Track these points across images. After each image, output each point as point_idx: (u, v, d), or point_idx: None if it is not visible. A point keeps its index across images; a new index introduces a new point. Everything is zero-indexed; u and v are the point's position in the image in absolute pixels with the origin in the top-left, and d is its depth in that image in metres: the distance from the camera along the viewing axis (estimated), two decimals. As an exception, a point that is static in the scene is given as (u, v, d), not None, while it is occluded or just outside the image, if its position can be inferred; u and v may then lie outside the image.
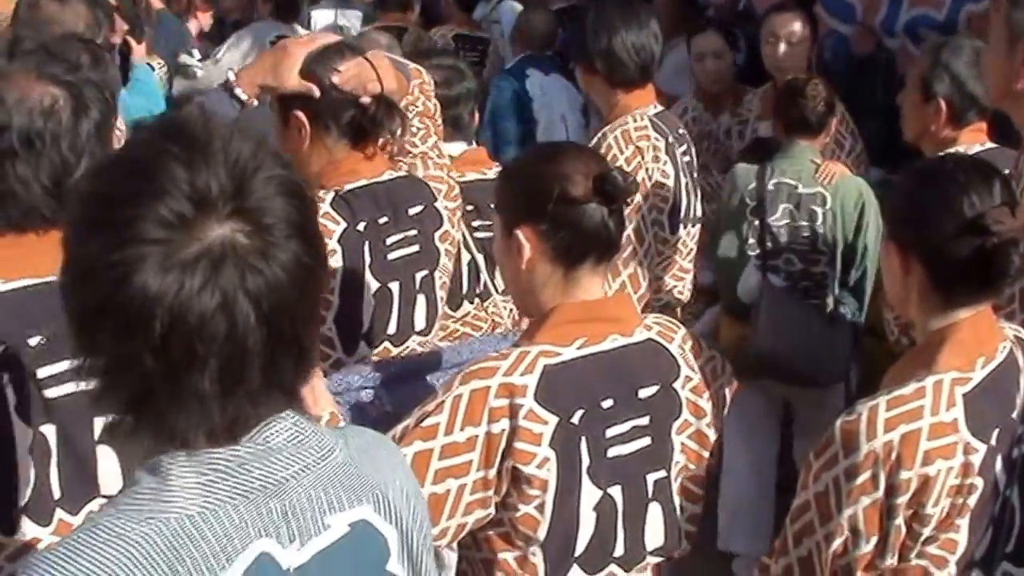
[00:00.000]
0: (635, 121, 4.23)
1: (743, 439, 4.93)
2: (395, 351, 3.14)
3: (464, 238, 3.76)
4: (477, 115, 4.13)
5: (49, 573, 1.40)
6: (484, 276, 3.79)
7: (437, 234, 3.30)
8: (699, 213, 4.53)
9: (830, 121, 4.84)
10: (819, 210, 4.72)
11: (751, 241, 4.78)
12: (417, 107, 3.31)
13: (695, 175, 4.52)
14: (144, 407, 1.46)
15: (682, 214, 4.35)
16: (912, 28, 5.72)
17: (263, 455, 1.50)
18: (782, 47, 5.45)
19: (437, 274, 3.29)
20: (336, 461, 1.57)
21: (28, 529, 2.13)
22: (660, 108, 4.41)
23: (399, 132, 3.13)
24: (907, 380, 2.25)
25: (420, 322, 3.26)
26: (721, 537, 4.99)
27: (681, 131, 4.50)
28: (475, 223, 3.79)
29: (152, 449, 1.49)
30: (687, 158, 4.43)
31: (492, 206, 3.63)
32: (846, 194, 4.71)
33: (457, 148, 3.87)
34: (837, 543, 2.21)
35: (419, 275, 3.23)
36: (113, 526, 1.43)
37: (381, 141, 3.11)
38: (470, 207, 3.76)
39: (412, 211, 3.18)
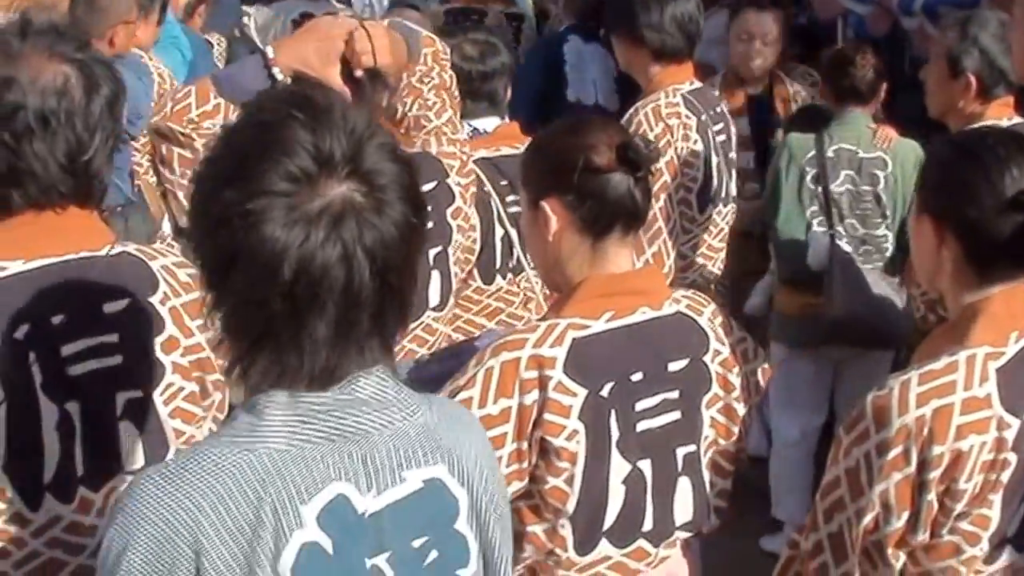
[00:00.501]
0: (667, 98, 4.19)
1: (791, 407, 4.97)
2: (410, 327, 3.12)
3: (498, 212, 3.74)
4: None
5: (152, 491, 1.53)
6: (517, 250, 3.75)
7: (449, 210, 3.29)
8: (733, 192, 4.49)
9: (880, 87, 4.82)
10: (880, 174, 4.73)
11: (814, 209, 4.76)
12: (432, 79, 3.27)
13: (730, 154, 4.47)
14: (263, 347, 1.57)
15: (712, 193, 4.31)
16: (931, 7, 5.64)
17: (349, 404, 1.60)
18: (756, 45, 5.37)
19: (451, 250, 3.27)
20: (418, 421, 1.66)
21: (52, 506, 2.14)
22: (696, 84, 4.36)
23: (412, 107, 3.12)
24: (939, 355, 2.22)
25: (435, 298, 3.25)
26: (773, 504, 5.02)
27: (719, 109, 4.44)
28: (509, 198, 3.74)
29: (257, 388, 1.59)
30: (722, 137, 4.38)
31: (524, 181, 3.69)
32: (905, 157, 4.73)
33: (491, 123, 3.84)
34: (868, 519, 2.18)
35: (433, 251, 3.22)
36: (210, 454, 1.55)
37: (398, 116, 3.09)
38: (504, 182, 3.73)
39: (425, 188, 3.13)
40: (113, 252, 2.22)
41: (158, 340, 2.22)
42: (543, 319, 2.45)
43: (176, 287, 2.25)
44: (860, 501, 2.18)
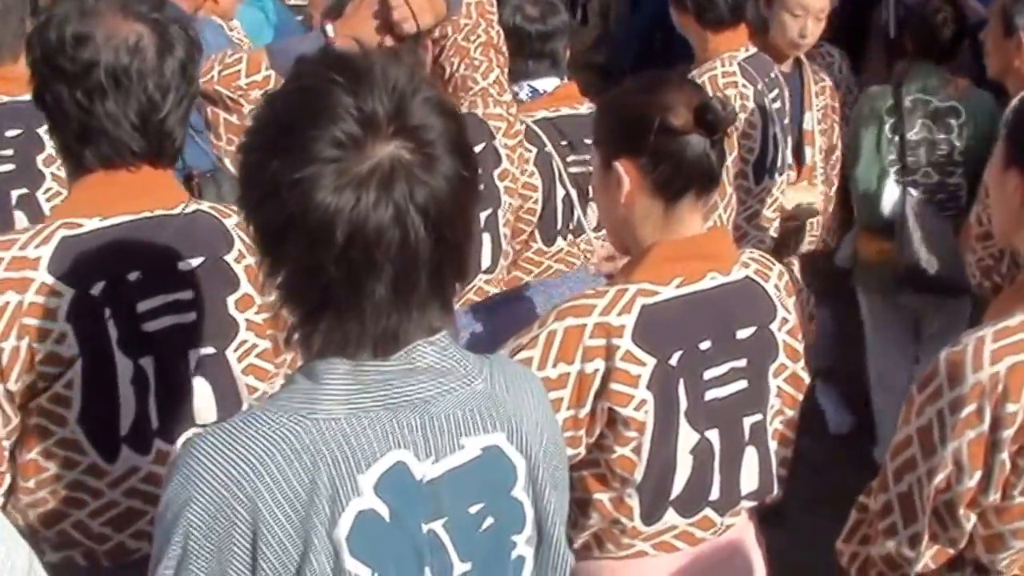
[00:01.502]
0: (723, 66, 4.12)
1: (882, 353, 4.98)
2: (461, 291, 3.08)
3: (559, 173, 3.67)
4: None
5: (207, 452, 1.52)
6: (578, 211, 3.68)
7: (496, 172, 3.25)
8: (788, 161, 4.40)
9: (960, 45, 4.77)
10: (954, 122, 4.68)
11: (891, 158, 4.71)
12: (479, 36, 3.21)
13: (785, 122, 4.38)
14: (323, 313, 1.54)
15: (768, 163, 4.22)
16: None
17: (408, 373, 1.57)
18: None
19: (500, 212, 3.23)
20: (477, 388, 1.63)
21: (129, 457, 2.17)
22: (752, 51, 4.27)
23: (459, 67, 3.07)
24: (1013, 311, 2.16)
25: (486, 260, 3.21)
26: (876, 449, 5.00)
27: (773, 75, 4.34)
28: (569, 158, 3.68)
29: (320, 355, 1.56)
30: (777, 104, 4.29)
31: (586, 141, 3.55)
32: (978, 106, 4.68)
33: (551, 83, 3.75)
34: (940, 478, 2.12)
35: (483, 214, 3.18)
36: (267, 418, 1.53)
37: (446, 76, 3.05)
38: (564, 142, 3.67)
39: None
40: (188, 210, 2.23)
41: (232, 297, 2.24)
42: (612, 283, 2.38)
43: (251, 245, 2.21)
44: (932, 460, 2.12)
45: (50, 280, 2.08)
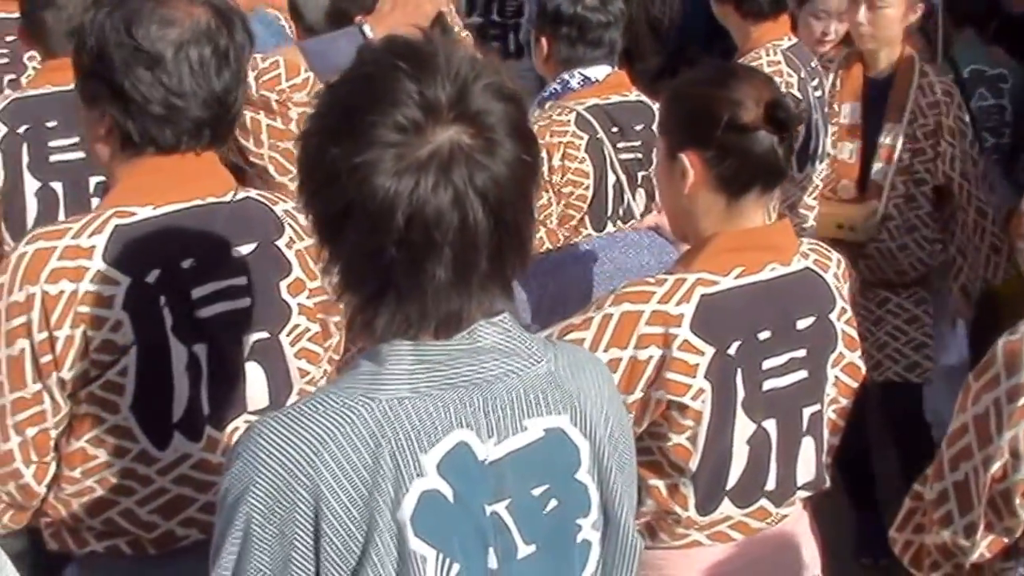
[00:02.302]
0: (768, 55, 4.08)
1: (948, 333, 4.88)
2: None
3: (610, 159, 3.63)
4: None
5: (268, 436, 1.50)
6: (627, 197, 3.65)
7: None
8: (828, 149, 4.33)
9: (994, 14, 4.83)
10: (1004, 87, 4.72)
11: None
12: None
13: (826, 110, 4.32)
14: (384, 298, 1.52)
15: (811, 151, 4.17)
16: None
17: (472, 353, 1.55)
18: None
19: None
20: (542, 370, 1.60)
21: (180, 444, 2.16)
22: (794, 40, 4.23)
23: None
24: None
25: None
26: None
27: (814, 65, 4.29)
28: (619, 144, 3.64)
29: (383, 339, 1.54)
30: (819, 93, 4.24)
31: (636, 127, 3.58)
32: (1015, 70, 4.77)
33: (602, 71, 3.70)
34: (996, 467, 2.08)
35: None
36: (332, 400, 1.51)
37: None
38: (615, 129, 3.63)
39: None
40: (238, 198, 2.21)
41: (284, 282, 2.23)
42: (671, 272, 2.33)
43: (299, 231, 2.24)
44: (988, 448, 2.09)
45: (105, 269, 2.06)
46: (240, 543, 1.49)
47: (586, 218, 3.64)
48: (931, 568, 2.21)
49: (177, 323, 2.11)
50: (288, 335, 2.24)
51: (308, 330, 2.27)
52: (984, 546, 2.11)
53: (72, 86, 2.23)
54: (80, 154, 3.15)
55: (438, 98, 1.49)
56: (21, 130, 3.26)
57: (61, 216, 3.13)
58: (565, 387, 1.62)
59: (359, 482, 1.48)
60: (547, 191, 3.59)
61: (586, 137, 3.63)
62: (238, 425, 2.19)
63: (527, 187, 1.56)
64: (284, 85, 2.75)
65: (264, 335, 2.21)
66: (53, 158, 3.27)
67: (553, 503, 1.60)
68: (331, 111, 1.56)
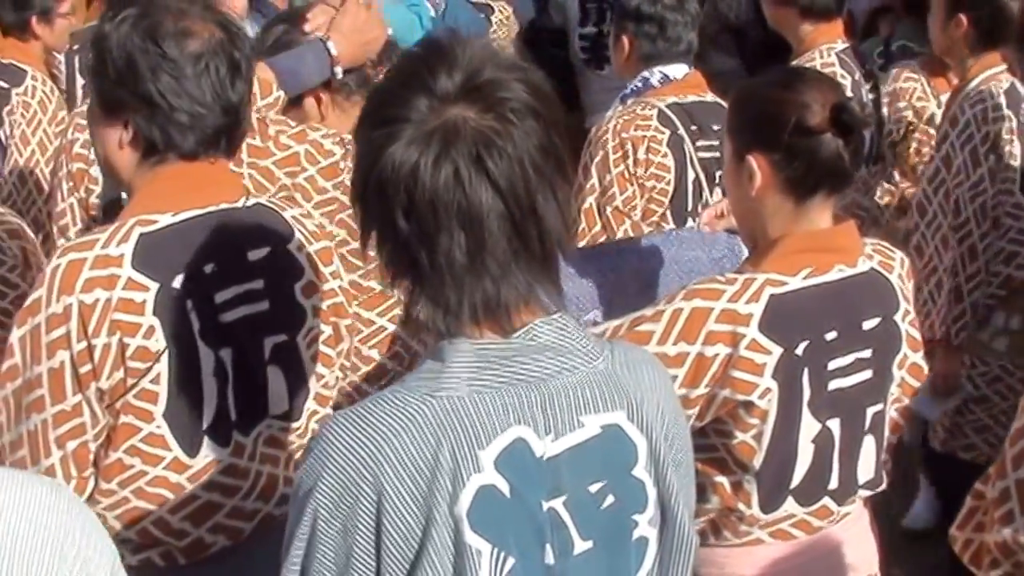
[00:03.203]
0: (822, 58, 4.05)
1: None
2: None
3: (691, 156, 3.63)
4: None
5: (336, 433, 1.52)
6: (706, 194, 3.64)
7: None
8: (876, 150, 4.29)
9: None
10: None
11: None
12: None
13: (879, 113, 4.28)
14: (418, 279, 1.54)
15: (865, 152, 4.15)
16: None
17: (530, 350, 1.55)
18: None
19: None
20: (598, 368, 1.60)
21: (210, 450, 2.17)
22: (847, 44, 4.19)
23: None
24: None
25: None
26: None
27: (867, 67, 4.28)
28: (699, 142, 3.64)
29: (427, 326, 1.56)
30: (872, 95, 4.20)
31: (714, 127, 3.55)
32: None
33: (680, 70, 3.71)
34: None
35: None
36: (397, 399, 1.53)
37: None
38: (694, 127, 3.62)
39: None
40: (249, 203, 2.22)
41: (299, 285, 2.25)
42: (740, 272, 2.31)
43: (308, 235, 2.26)
44: None
45: (135, 275, 2.07)
46: (308, 536, 1.52)
47: (668, 213, 3.64)
48: (990, 566, 2.19)
49: (204, 328, 2.13)
50: (304, 338, 2.25)
51: (322, 332, 2.29)
52: None
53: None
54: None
55: (448, 85, 1.53)
56: None
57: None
58: (622, 384, 1.62)
59: (419, 478, 1.49)
60: (632, 183, 3.60)
61: (668, 132, 3.62)
62: (261, 430, 2.22)
63: (543, 167, 1.54)
64: (260, 103, 2.73)
65: (283, 338, 2.23)
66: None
67: (610, 499, 1.59)
68: (367, 102, 1.64)
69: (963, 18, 3.61)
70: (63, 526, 1.39)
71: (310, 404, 2.28)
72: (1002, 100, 3.62)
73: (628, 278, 2.81)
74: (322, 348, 2.29)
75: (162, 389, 2.10)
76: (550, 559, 1.55)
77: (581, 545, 1.58)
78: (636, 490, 1.62)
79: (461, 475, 1.50)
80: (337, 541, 1.51)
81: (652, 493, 1.63)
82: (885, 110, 4.47)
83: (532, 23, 6.61)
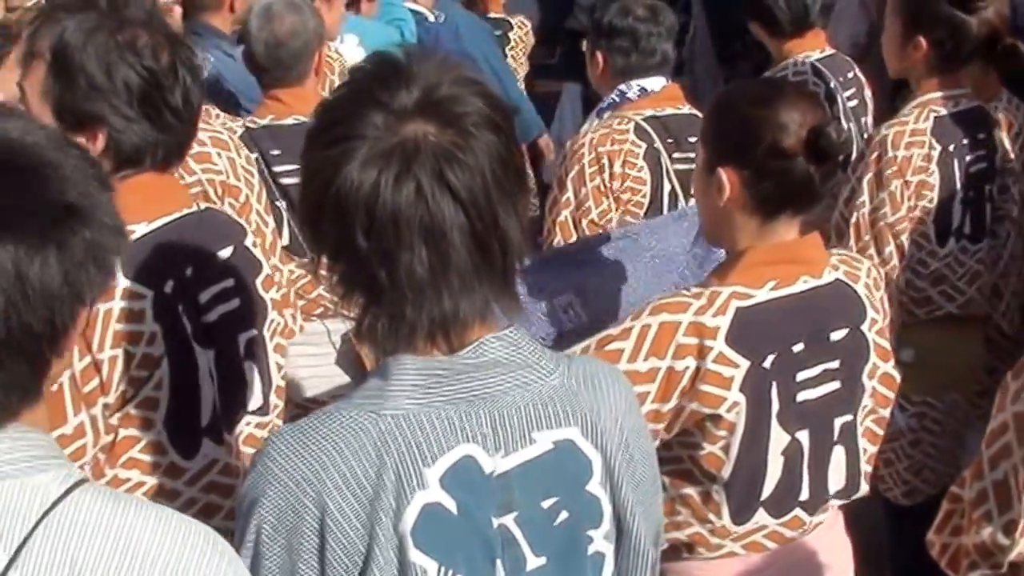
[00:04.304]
0: (795, 67, 4.03)
1: None
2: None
3: (666, 168, 3.62)
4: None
5: (280, 450, 1.51)
6: (682, 205, 3.62)
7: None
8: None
9: None
10: None
11: None
12: None
13: (863, 120, 4.23)
14: (375, 297, 1.52)
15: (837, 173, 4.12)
16: None
17: (479, 367, 1.53)
18: None
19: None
20: (552, 383, 1.58)
21: (209, 450, 2.17)
22: (828, 52, 4.17)
23: None
24: None
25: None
26: None
27: (851, 75, 4.22)
28: (674, 155, 3.63)
29: (385, 345, 1.54)
30: (853, 102, 4.16)
31: (690, 139, 3.52)
32: None
33: (658, 83, 3.70)
34: None
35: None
36: (341, 415, 1.51)
37: None
38: (670, 139, 3.61)
39: None
40: (203, 208, 2.24)
41: (259, 280, 2.27)
42: (705, 285, 2.28)
43: (251, 231, 2.30)
44: None
45: (130, 284, 2.06)
46: (252, 550, 1.50)
47: (643, 226, 3.63)
48: (968, 569, 2.17)
49: (194, 330, 2.14)
50: (268, 330, 2.28)
51: (279, 324, 2.31)
52: (1023, 544, 2.09)
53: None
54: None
55: (406, 99, 1.51)
56: None
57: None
58: (576, 399, 1.59)
59: (362, 495, 1.48)
60: (607, 197, 3.58)
61: (644, 146, 3.61)
62: (241, 429, 2.23)
63: (504, 179, 1.52)
64: None
65: (254, 332, 2.24)
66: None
67: (564, 515, 1.57)
68: (316, 119, 1.59)
69: (922, 40, 3.48)
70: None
71: (273, 398, 2.30)
72: (926, 126, 3.47)
73: (608, 279, 2.79)
74: (279, 340, 2.32)
75: (163, 395, 2.10)
76: (501, 575, 1.53)
77: (534, 561, 1.56)
78: (591, 506, 1.60)
79: (405, 492, 1.48)
80: (282, 557, 1.49)
81: (607, 509, 1.61)
82: None
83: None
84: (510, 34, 6.47)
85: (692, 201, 3.53)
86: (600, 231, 3.52)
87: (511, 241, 1.54)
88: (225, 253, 2.22)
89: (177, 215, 2.17)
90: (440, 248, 1.49)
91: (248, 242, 2.27)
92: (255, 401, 2.25)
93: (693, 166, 3.42)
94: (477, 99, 1.53)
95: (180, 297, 2.12)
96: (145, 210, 2.12)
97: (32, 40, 2.13)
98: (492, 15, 6.46)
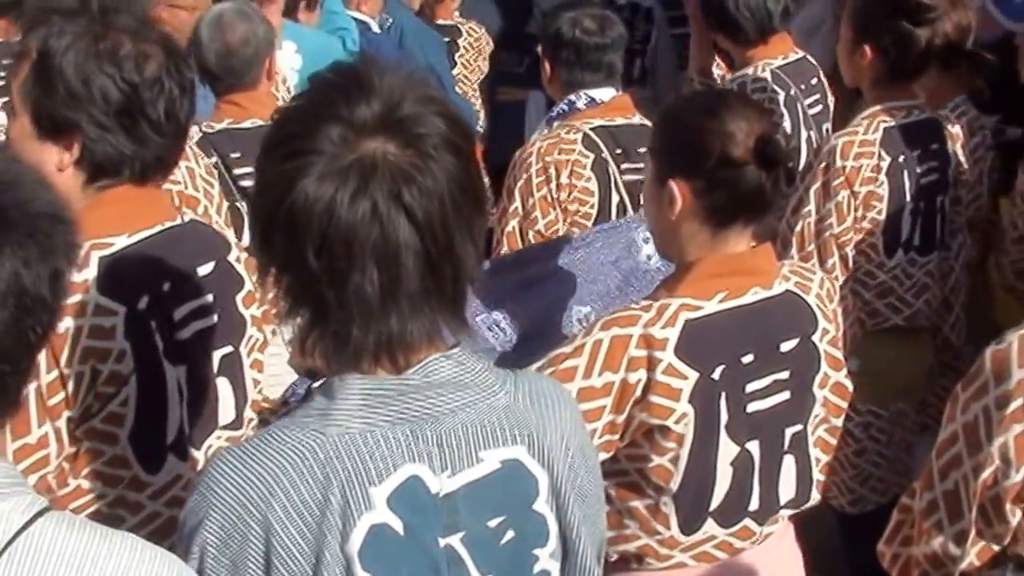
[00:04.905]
0: (755, 72, 4.02)
1: None
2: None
3: (615, 179, 3.61)
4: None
5: (223, 470, 1.49)
6: (629, 214, 3.57)
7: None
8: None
9: None
10: None
11: None
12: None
13: (826, 127, 4.21)
14: (321, 314, 1.49)
15: (802, 168, 4.12)
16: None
17: (424, 387, 1.51)
18: None
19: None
20: (498, 402, 1.57)
21: (173, 466, 2.14)
22: (791, 58, 4.14)
23: None
24: None
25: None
26: None
27: (814, 81, 4.20)
28: (623, 165, 3.62)
29: (329, 361, 1.52)
30: (816, 109, 4.16)
31: (639, 150, 3.50)
32: None
33: (607, 93, 3.69)
34: (986, 474, 2.02)
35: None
36: (283, 435, 1.49)
37: None
38: (619, 150, 3.61)
39: None
40: (187, 221, 2.21)
41: (240, 296, 2.25)
42: (655, 298, 2.28)
43: (235, 246, 2.27)
44: (978, 456, 2.03)
45: (102, 301, 2.03)
46: (196, 571, 1.47)
47: (591, 236, 3.61)
48: None
49: (166, 347, 2.10)
50: (246, 346, 2.26)
51: (258, 340, 2.29)
52: (974, 554, 2.06)
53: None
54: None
55: (366, 113, 1.48)
56: None
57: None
58: (522, 418, 1.58)
59: (308, 516, 1.46)
60: (554, 208, 3.57)
61: (592, 156, 3.60)
62: (211, 443, 2.19)
63: (462, 203, 1.51)
64: None
65: (229, 349, 2.22)
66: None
67: (510, 534, 1.57)
68: (272, 130, 1.56)
69: (867, 49, 3.47)
70: None
71: (248, 412, 2.28)
72: (876, 137, 3.46)
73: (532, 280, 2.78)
74: (258, 356, 2.30)
75: (129, 411, 2.07)
76: None
77: None
78: (537, 524, 1.59)
79: (352, 513, 1.47)
80: None
81: (553, 527, 1.60)
82: None
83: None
84: (459, 41, 6.48)
85: (641, 212, 3.54)
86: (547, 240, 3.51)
87: (464, 267, 1.53)
88: (206, 268, 2.19)
89: (159, 228, 2.14)
90: (392, 270, 1.46)
91: (232, 257, 2.24)
92: (226, 416, 2.22)
93: (642, 177, 3.46)
94: (439, 120, 1.50)
95: (154, 313, 2.09)
96: (124, 223, 2.10)
97: (24, 40, 2.11)
98: (441, 22, 6.45)
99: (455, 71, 6.37)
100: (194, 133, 3.53)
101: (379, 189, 1.45)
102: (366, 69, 1.53)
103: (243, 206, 3.64)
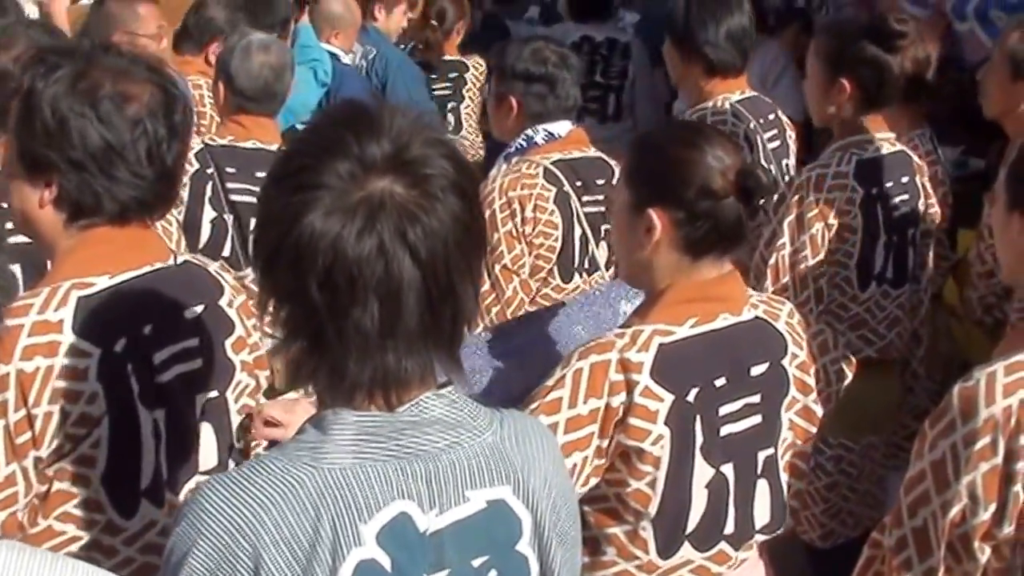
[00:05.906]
0: (716, 106, 4.02)
1: None
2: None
3: (577, 212, 3.61)
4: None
5: (212, 500, 1.47)
6: (592, 249, 3.64)
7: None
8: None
9: None
10: None
11: None
12: None
13: (785, 163, 4.21)
14: (320, 347, 1.49)
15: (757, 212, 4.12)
16: (983, 11, 5.35)
17: (416, 425, 1.52)
18: None
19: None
20: (486, 441, 1.58)
21: (147, 512, 2.11)
22: (749, 94, 4.15)
23: None
24: (1022, 348, 2.08)
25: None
26: None
27: (772, 116, 4.20)
28: (584, 197, 3.63)
29: (323, 395, 1.53)
30: (775, 143, 4.15)
31: (598, 182, 3.57)
32: None
33: (564, 127, 3.68)
34: (955, 511, 2.02)
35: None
36: (274, 466, 1.48)
37: None
38: (579, 183, 3.62)
39: None
40: (179, 262, 2.18)
41: (229, 341, 2.22)
42: (627, 325, 2.30)
43: (232, 289, 2.24)
44: (946, 494, 2.03)
45: (76, 341, 2.00)
46: None
47: (555, 269, 3.63)
48: None
49: (142, 390, 2.07)
50: (233, 392, 2.23)
51: (248, 386, 2.26)
52: None
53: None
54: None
55: (375, 152, 1.49)
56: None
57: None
58: (509, 458, 1.59)
59: (298, 549, 1.45)
60: (520, 242, 3.57)
61: (554, 190, 3.61)
62: (190, 487, 2.15)
63: (465, 244, 1.52)
64: None
65: (214, 394, 2.19)
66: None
67: (493, 574, 1.57)
68: (280, 161, 1.56)
69: (845, 83, 3.50)
70: None
71: (235, 456, 2.26)
72: (848, 169, 3.47)
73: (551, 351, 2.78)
74: (246, 400, 2.27)
75: (101, 454, 2.05)
76: None
77: None
78: (519, 565, 1.60)
79: (341, 548, 1.46)
80: None
81: (535, 568, 1.61)
82: None
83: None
84: (466, 75, 6.54)
85: (603, 245, 3.55)
86: (514, 276, 3.54)
87: (464, 308, 1.54)
88: (194, 311, 2.17)
89: (147, 269, 2.12)
90: (392, 307, 1.47)
91: (223, 301, 2.22)
92: (208, 461, 2.19)
93: (603, 208, 3.54)
94: (446, 162, 1.52)
95: (131, 356, 2.06)
96: (106, 263, 2.08)
97: (21, 77, 2.11)
98: (448, 57, 6.52)
99: (463, 104, 6.50)
100: (196, 144, 3.67)
101: (385, 227, 1.46)
102: (378, 108, 1.55)
103: (228, 218, 3.80)
